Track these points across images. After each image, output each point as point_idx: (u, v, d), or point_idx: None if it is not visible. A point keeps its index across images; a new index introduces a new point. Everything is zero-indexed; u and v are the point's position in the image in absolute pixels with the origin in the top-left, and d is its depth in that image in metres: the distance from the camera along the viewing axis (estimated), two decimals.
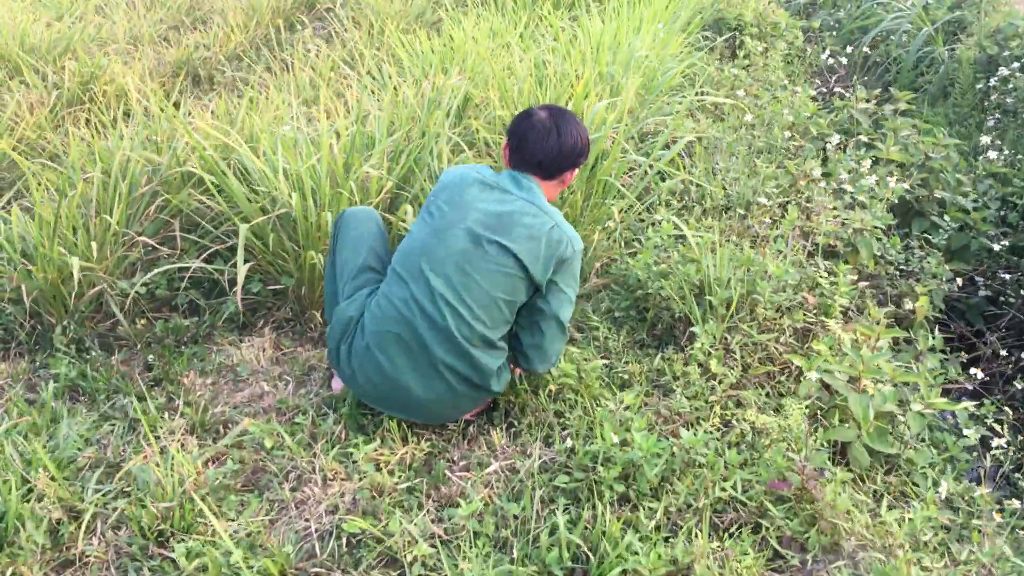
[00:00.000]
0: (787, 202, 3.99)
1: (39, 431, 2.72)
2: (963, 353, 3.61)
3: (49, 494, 2.39)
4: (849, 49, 6.99)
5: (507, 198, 2.66)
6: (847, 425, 2.73)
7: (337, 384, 3.00)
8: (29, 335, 3.23)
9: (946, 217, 4.37)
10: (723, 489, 2.42)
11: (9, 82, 5.16)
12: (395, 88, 4.41)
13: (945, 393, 3.50)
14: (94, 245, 3.20)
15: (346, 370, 2.74)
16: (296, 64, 5.51)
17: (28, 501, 2.39)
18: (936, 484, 2.67)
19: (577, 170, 2.84)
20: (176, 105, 4.92)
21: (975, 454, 3.04)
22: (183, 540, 2.31)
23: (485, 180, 2.71)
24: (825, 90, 6.76)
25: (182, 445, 2.69)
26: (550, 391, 2.87)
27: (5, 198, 3.82)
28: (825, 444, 2.64)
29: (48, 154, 4.33)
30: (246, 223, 3.27)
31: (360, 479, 2.57)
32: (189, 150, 3.62)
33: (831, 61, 6.74)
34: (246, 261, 3.25)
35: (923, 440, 2.91)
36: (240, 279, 3.07)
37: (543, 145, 2.69)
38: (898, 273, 4.00)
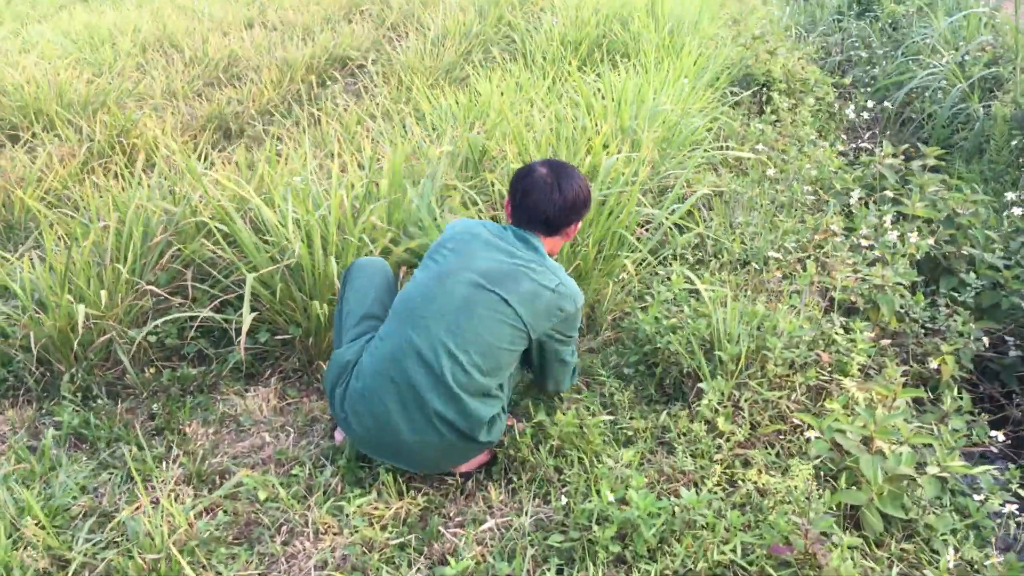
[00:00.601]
0: (806, 257, 3.91)
1: (36, 478, 2.71)
2: (984, 415, 3.46)
3: (38, 543, 2.37)
4: (871, 104, 6.91)
5: (512, 257, 2.66)
6: (857, 488, 2.63)
7: (339, 435, 2.97)
8: (38, 382, 3.25)
9: (972, 274, 4.25)
10: (723, 552, 2.32)
11: (43, 135, 5.30)
12: (406, 140, 4.44)
13: (968, 456, 3.36)
14: (104, 293, 3.22)
15: (340, 414, 2.72)
16: (323, 118, 5.59)
17: (17, 549, 2.37)
18: (958, 551, 2.54)
19: (580, 223, 2.83)
20: (202, 156, 4.99)
21: (999, 521, 2.90)
22: None
23: (491, 235, 2.72)
24: (855, 146, 6.68)
25: (176, 496, 2.66)
26: (551, 446, 2.80)
27: (26, 247, 3.88)
28: (834, 507, 2.53)
29: (72, 204, 4.41)
30: (255, 272, 3.27)
31: (352, 534, 2.51)
32: (203, 201, 3.67)
33: (856, 117, 6.67)
34: (255, 311, 3.26)
35: (944, 505, 2.79)
36: (244, 328, 3.07)
37: (546, 201, 2.70)
38: (923, 331, 3.88)
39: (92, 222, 3.55)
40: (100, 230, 3.49)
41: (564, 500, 2.55)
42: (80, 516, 2.59)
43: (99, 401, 3.19)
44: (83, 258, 3.29)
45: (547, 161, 2.78)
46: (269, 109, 6.51)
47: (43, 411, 3.17)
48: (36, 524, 2.39)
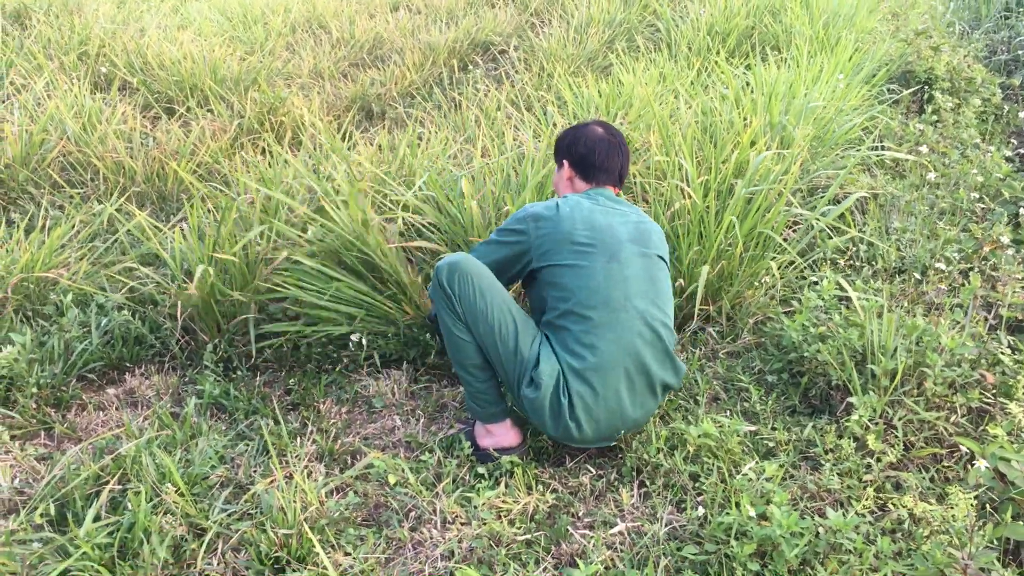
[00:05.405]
0: (969, 268, 3.65)
1: (177, 445, 2.78)
2: None
3: (176, 510, 2.42)
4: None
5: (623, 211, 2.78)
6: (1022, 521, 2.41)
7: (515, 436, 2.81)
8: (183, 350, 3.35)
9: None
10: None
11: (197, 110, 5.47)
12: (547, 129, 4.37)
13: None
14: (246, 268, 3.28)
15: (569, 423, 2.60)
16: (464, 103, 5.58)
17: (156, 514, 2.42)
18: None
19: None
20: (345, 136, 5.06)
21: None
22: (297, 571, 2.28)
23: (595, 204, 2.77)
24: (1022, 152, 6.23)
25: (309, 472, 2.68)
26: (687, 452, 2.69)
27: (178, 218, 4.00)
28: (995, 542, 2.34)
29: (222, 178, 4.53)
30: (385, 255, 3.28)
31: (479, 526, 2.47)
32: (347, 180, 3.69)
33: None
34: (390, 291, 3.27)
35: None
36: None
37: (618, 157, 2.90)
38: None
39: (240, 196, 3.62)
40: (248, 204, 3.55)
41: (701, 511, 2.43)
42: (217, 485, 2.64)
43: (239, 373, 3.26)
44: (227, 231, 3.35)
45: (596, 121, 2.95)
46: (411, 92, 6.56)
47: (186, 379, 3.26)
48: (176, 491, 2.44)
